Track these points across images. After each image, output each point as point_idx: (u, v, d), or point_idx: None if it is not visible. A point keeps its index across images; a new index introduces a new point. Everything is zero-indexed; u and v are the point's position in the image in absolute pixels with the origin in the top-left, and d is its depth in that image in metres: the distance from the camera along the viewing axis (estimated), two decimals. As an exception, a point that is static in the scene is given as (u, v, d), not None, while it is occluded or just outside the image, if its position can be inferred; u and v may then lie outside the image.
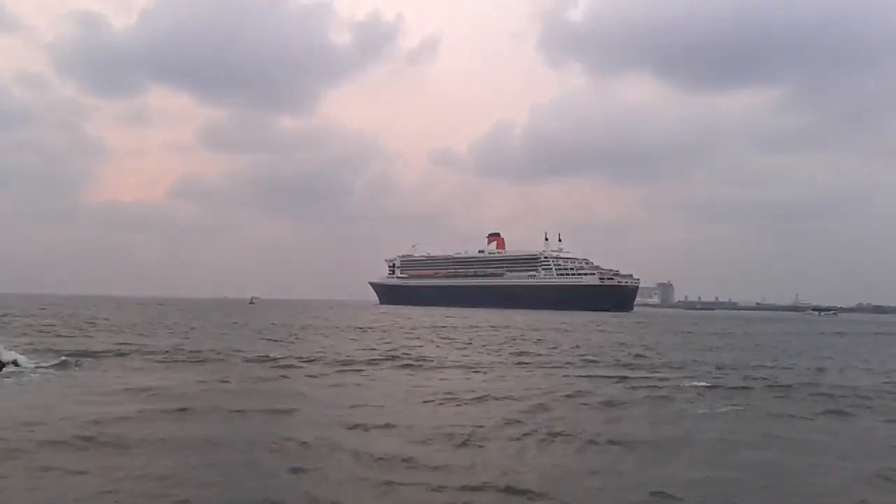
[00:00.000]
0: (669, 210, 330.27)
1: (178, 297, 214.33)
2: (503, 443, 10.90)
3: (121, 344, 26.56)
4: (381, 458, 9.49)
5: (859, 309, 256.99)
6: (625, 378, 19.77)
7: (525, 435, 11.42)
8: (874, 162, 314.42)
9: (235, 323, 50.09)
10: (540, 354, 27.75)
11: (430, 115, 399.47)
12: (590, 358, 26.52)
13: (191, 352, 24.50)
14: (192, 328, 41.39)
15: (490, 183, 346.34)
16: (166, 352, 24.26)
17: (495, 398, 15.47)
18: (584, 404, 14.99)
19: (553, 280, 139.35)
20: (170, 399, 14.05)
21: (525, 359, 25.57)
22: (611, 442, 11.08)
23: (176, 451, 9.71)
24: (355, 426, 11.67)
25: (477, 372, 20.84)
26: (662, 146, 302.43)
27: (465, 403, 14.69)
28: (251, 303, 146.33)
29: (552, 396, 15.85)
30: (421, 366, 22.27)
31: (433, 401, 14.89)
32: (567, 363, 24.35)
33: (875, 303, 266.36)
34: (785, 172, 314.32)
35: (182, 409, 12.85)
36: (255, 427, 11.63)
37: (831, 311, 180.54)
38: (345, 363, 22.19)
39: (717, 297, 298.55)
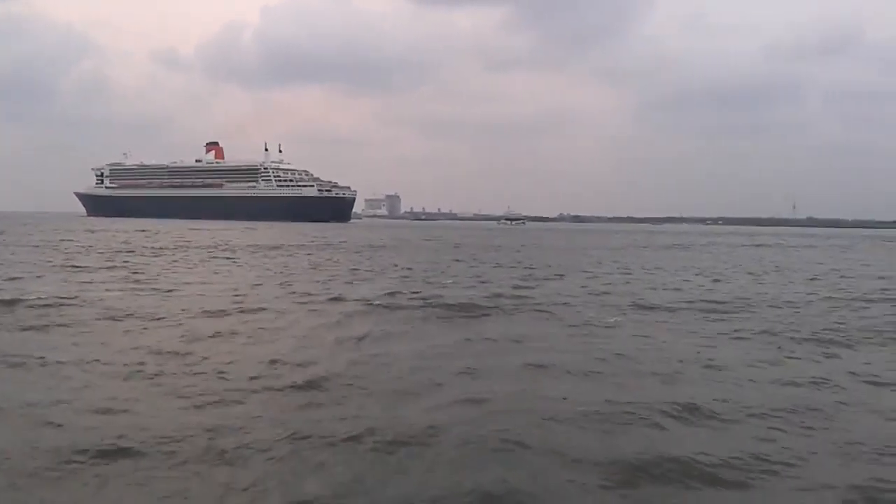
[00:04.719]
0: (400, 124, 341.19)
1: None
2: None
3: None
4: None
5: (560, 219, 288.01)
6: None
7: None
8: (586, 83, 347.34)
9: None
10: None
11: (153, 11, 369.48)
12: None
13: None
14: None
15: (220, 89, 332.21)
16: None
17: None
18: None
19: (273, 191, 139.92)
20: None
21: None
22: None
23: None
24: None
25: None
26: (396, 59, 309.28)
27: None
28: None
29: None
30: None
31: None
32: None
33: (574, 213, 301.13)
34: (507, 91, 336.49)
35: None
36: None
37: (520, 221, 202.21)
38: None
39: (439, 209, 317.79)
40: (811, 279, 28.61)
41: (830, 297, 21.03)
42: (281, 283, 22.42)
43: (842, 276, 30.32)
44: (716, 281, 26.90)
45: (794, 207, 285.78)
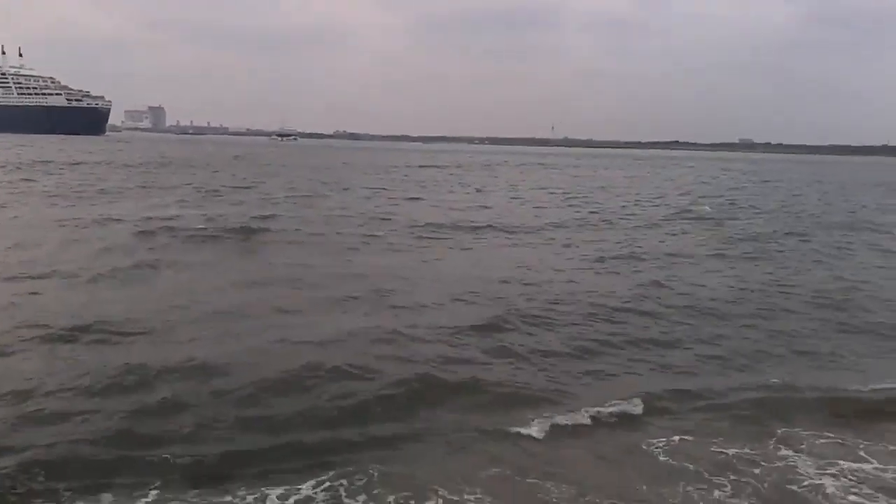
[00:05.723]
0: (165, 30, 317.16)
1: None
2: None
3: None
4: None
5: (337, 136, 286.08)
6: None
7: None
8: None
9: None
10: None
11: None
12: None
13: None
14: None
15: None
16: None
17: None
18: None
19: (14, 100, 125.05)
20: None
21: None
22: None
23: None
24: None
25: None
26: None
27: None
28: None
29: None
30: None
31: None
32: None
33: (351, 130, 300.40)
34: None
35: None
36: None
37: (292, 137, 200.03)
38: None
39: (209, 123, 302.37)
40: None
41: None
42: (28, 205, 20.50)
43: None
44: (483, 194, 28.48)
45: (552, 129, 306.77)
